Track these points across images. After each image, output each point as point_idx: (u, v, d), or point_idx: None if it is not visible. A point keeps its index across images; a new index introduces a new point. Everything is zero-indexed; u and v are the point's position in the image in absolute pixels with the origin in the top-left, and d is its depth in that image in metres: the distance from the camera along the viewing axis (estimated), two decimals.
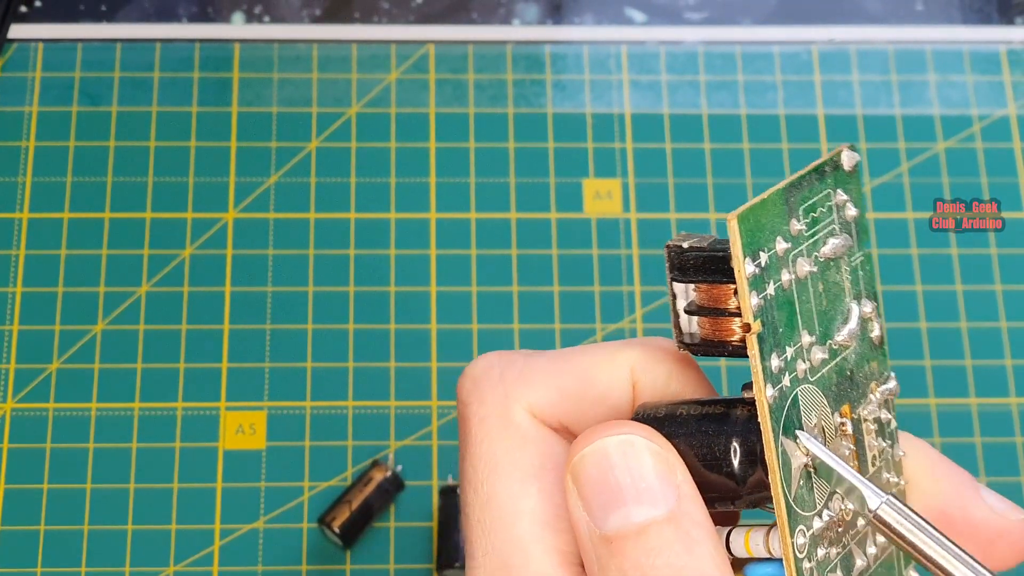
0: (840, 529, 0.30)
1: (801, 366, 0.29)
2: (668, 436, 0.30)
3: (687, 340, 0.30)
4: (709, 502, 0.29)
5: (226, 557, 0.51)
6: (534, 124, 0.59)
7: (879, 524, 0.28)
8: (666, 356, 0.31)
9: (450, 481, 0.52)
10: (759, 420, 0.28)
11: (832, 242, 0.31)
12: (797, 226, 0.30)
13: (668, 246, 0.30)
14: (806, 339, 0.30)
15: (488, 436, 0.31)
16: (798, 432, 0.29)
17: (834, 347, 0.31)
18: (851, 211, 0.31)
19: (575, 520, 0.29)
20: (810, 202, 0.30)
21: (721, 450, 0.29)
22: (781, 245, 0.29)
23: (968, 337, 0.56)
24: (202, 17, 0.60)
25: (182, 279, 0.55)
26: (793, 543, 0.29)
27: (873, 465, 0.31)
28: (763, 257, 0.29)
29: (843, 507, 0.30)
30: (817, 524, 0.29)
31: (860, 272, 0.32)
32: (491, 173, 0.58)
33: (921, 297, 0.56)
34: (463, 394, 0.32)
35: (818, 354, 0.30)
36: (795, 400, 0.29)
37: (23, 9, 0.60)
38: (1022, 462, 0.54)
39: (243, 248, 0.56)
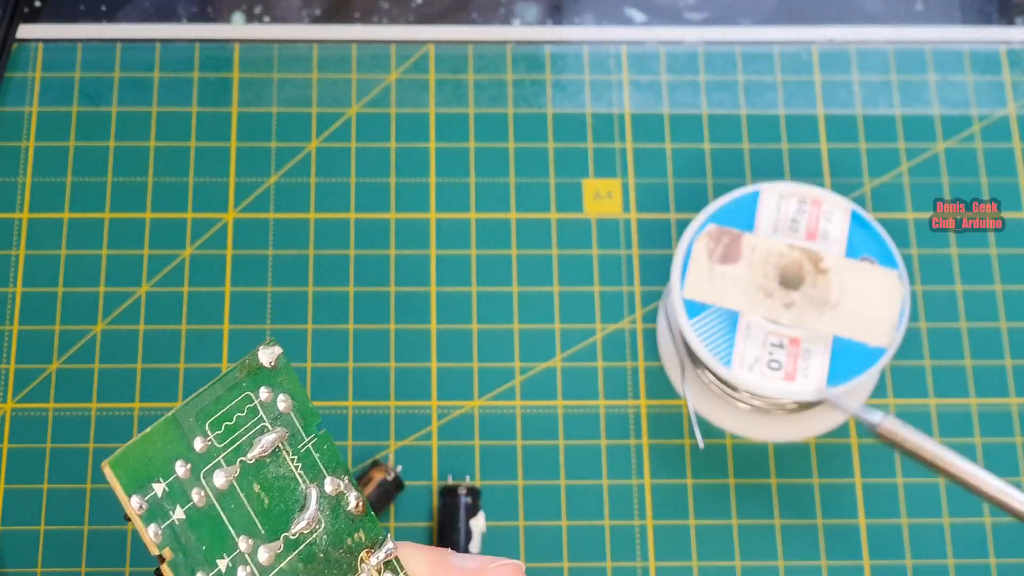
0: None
1: (243, 573, 0.30)
2: None
3: None
4: None
5: None
6: (534, 124, 0.58)
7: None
8: None
9: (450, 481, 0.52)
10: None
11: (262, 440, 0.31)
12: (202, 444, 0.31)
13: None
14: (244, 545, 0.31)
15: None
16: None
17: (292, 537, 0.31)
18: (283, 403, 0.32)
19: None
20: (216, 415, 0.31)
21: None
22: (182, 469, 0.30)
23: (968, 337, 0.56)
24: (202, 17, 0.60)
25: (182, 279, 0.55)
26: None
27: None
28: (158, 488, 0.30)
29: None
30: None
31: (316, 454, 0.32)
32: (491, 173, 0.58)
33: (921, 297, 0.56)
34: None
35: (264, 554, 0.31)
36: None
37: (23, 9, 0.60)
38: (1022, 462, 0.54)
39: (243, 248, 0.56)
